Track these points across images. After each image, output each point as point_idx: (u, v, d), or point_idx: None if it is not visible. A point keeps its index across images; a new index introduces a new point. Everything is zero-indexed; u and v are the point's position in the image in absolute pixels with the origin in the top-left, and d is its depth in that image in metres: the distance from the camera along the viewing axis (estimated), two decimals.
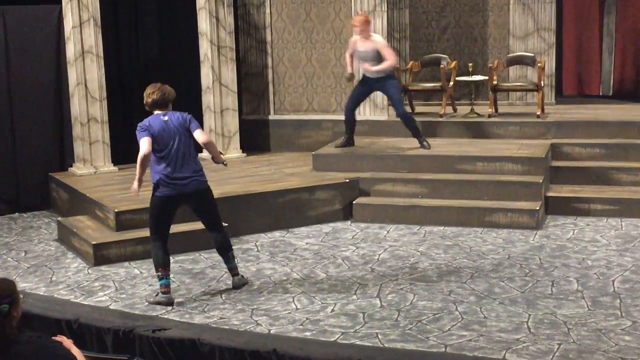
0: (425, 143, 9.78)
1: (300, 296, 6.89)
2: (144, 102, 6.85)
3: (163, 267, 6.79)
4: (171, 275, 7.07)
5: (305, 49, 11.31)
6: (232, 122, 10.88)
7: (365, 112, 10.95)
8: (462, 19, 12.19)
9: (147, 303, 6.81)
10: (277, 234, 8.80)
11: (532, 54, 11.23)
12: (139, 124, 6.78)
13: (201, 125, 10.69)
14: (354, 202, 9.23)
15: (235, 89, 10.90)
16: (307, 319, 6.37)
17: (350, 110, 9.96)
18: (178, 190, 6.73)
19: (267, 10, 11.30)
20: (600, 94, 12.73)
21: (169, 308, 6.68)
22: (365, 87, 9.82)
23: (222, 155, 7.13)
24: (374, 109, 10.96)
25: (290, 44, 11.35)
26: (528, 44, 11.87)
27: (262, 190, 9.04)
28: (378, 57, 9.43)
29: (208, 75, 10.71)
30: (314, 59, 11.26)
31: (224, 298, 6.90)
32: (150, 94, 6.80)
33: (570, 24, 12.60)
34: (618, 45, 12.54)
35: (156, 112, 6.80)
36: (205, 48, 10.66)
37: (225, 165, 7.11)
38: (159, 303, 6.76)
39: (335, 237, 8.65)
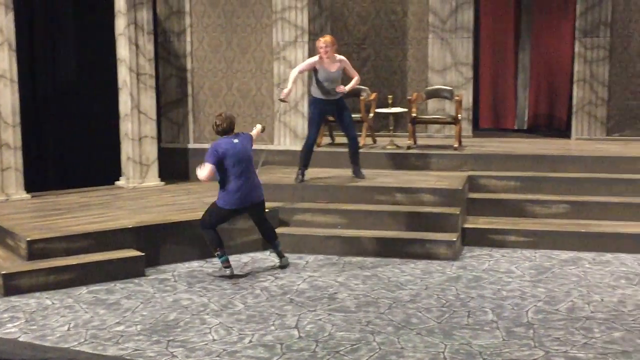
0: (361, 172, 9.89)
1: (218, 327, 6.79)
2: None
3: (220, 247, 8.18)
4: (84, 306, 6.93)
5: (226, 77, 11.28)
6: (151, 150, 10.75)
7: (285, 142, 10.97)
8: (382, 51, 12.36)
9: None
10: (195, 264, 8.69)
11: (450, 88, 11.45)
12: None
13: (119, 153, 10.62)
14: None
15: (155, 117, 10.79)
16: (224, 350, 6.28)
17: (314, 138, 9.77)
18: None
19: (188, 39, 11.25)
20: (516, 127, 13.04)
21: (82, 340, 6.50)
22: (325, 109, 9.67)
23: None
24: (294, 138, 10.99)
25: (210, 72, 11.31)
26: (446, 77, 12.11)
27: (180, 219, 8.92)
28: (345, 79, 9.57)
29: (126, 103, 10.57)
30: (235, 88, 11.24)
31: (139, 329, 6.75)
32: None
33: (487, 59, 12.90)
34: (532, 81, 12.89)
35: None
36: (123, 75, 10.53)
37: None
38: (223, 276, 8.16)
39: (254, 267, 8.59)
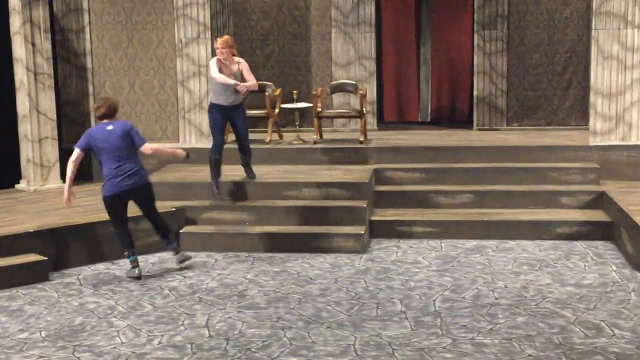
0: (252, 174, 9.66)
1: (126, 329, 6.68)
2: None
3: (128, 247, 8.06)
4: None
5: (128, 76, 11.08)
6: (52, 152, 10.48)
7: (191, 140, 10.86)
8: (286, 46, 12.37)
9: None
10: (100, 266, 8.52)
11: (354, 82, 11.54)
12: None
13: (19, 155, 10.30)
14: (180, 230, 9.09)
15: (55, 117, 10.51)
16: (132, 352, 6.18)
17: (220, 143, 9.27)
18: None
19: (87, 37, 11.01)
20: (419, 120, 13.25)
21: None
22: (224, 114, 9.23)
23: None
24: (200, 136, 10.88)
25: (112, 70, 11.10)
26: (350, 72, 12.20)
27: (84, 221, 8.73)
28: (241, 81, 9.16)
29: (24, 103, 10.27)
30: (137, 86, 11.06)
31: (43, 335, 6.58)
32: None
33: (389, 53, 13.06)
34: (434, 74, 13.12)
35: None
36: (20, 75, 10.23)
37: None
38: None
39: (162, 267, 8.48)
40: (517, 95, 12.12)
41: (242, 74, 9.18)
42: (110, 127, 7.91)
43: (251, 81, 9.18)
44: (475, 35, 12.06)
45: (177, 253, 8.37)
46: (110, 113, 7.98)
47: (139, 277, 8.02)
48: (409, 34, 13.03)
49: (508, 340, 6.26)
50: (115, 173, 7.85)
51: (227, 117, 9.29)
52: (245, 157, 9.59)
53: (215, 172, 9.28)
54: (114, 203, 7.96)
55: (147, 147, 8.01)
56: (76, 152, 7.98)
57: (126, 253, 8.10)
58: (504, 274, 7.96)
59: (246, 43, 12.32)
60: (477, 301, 7.17)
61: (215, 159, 9.25)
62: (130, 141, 7.92)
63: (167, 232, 8.32)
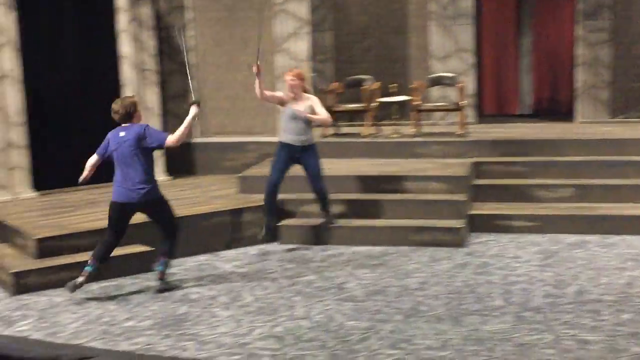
0: (329, 218, 8.94)
1: (228, 319, 6.83)
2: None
3: (95, 258, 7.40)
4: (95, 302, 7.12)
5: (229, 71, 11.30)
6: None
7: None
8: (384, 40, 12.37)
9: (69, 331, 6.66)
10: (202, 257, 8.73)
11: (453, 75, 11.45)
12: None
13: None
14: (280, 224, 9.21)
15: (159, 112, 10.81)
16: (235, 342, 6.31)
17: (275, 185, 8.65)
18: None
19: (190, 33, 11.26)
20: (519, 112, 13.05)
21: (93, 336, 6.55)
22: (292, 155, 8.62)
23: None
24: None
25: (213, 66, 11.33)
26: (448, 64, 12.11)
27: (187, 213, 8.94)
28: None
29: None
30: (238, 82, 11.25)
31: (149, 324, 6.80)
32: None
33: (489, 45, 12.90)
34: (535, 65, 12.89)
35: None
36: (127, 71, 10.56)
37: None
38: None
39: (262, 259, 8.62)
40: (623, 86, 11.78)
41: (312, 108, 8.50)
42: (122, 134, 7.31)
43: (322, 115, 8.52)
44: (578, 26, 11.78)
45: (160, 279, 7.64)
46: (127, 115, 7.34)
47: (73, 289, 7.32)
48: (509, 25, 12.84)
49: (612, 337, 6.12)
50: (119, 182, 7.35)
51: (294, 158, 8.63)
52: (321, 200, 8.88)
53: (268, 211, 8.73)
54: (115, 210, 7.41)
55: (171, 140, 7.33)
56: (94, 157, 7.50)
57: (89, 261, 7.39)
58: (608, 269, 7.77)
59: (345, 37, 12.38)
60: (580, 297, 7.03)
61: (267, 198, 8.66)
62: (143, 148, 7.28)
63: (165, 254, 7.64)
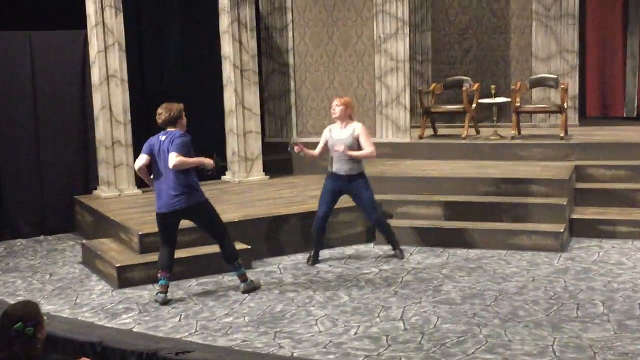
0: (399, 252, 8.57)
1: (323, 319, 6.87)
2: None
3: (162, 269, 7.38)
4: (194, 298, 7.26)
5: (328, 71, 11.35)
6: (255, 145, 10.92)
7: (387, 135, 10.97)
8: (484, 40, 12.21)
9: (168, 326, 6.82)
10: (300, 256, 8.80)
11: (555, 76, 11.21)
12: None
13: (224, 148, 10.80)
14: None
15: (258, 112, 10.95)
16: (330, 341, 6.34)
17: (321, 218, 8.35)
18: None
19: (290, 34, 11.37)
20: (625, 115, 12.67)
21: (192, 331, 6.69)
22: (338, 185, 8.28)
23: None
24: (397, 131, 10.97)
25: (312, 67, 11.41)
26: (551, 65, 11.87)
27: (285, 212, 9.04)
28: (356, 148, 8.15)
29: (231, 99, 10.78)
30: (336, 82, 11.30)
31: (247, 320, 6.90)
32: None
33: (593, 45, 12.58)
34: None
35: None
36: (228, 71, 10.74)
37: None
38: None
39: (358, 259, 8.63)
40: None
41: (358, 140, 8.14)
42: (162, 138, 7.21)
43: (366, 150, 8.10)
44: None
45: (243, 282, 7.63)
46: (170, 120, 7.22)
47: (163, 303, 7.32)
48: (615, 25, 12.49)
49: None
50: (158, 191, 7.26)
51: (341, 188, 8.29)
52: (384, 234, 8.62)
53: (315, 243, 8.49)
54: (158, 221, 7.35)
55: (171, 160, 7.05)
56: (142, 156, 7.31)
57: (160, 275, 7.37)
58: None
59: (444, 38, 12.29)
60: None
61: (314, 232, 8.43)
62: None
63: (230, 258, 7.54)
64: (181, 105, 7.37)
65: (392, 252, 8.62)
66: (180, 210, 7.21)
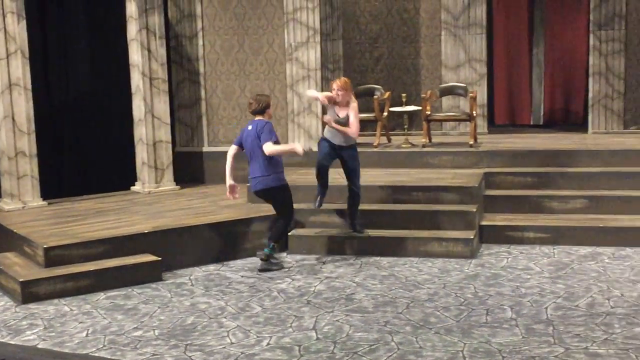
0: (359, 227, 8.97)
1: (235, 330, 6.78)
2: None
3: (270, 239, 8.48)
4: (102, 312, 7.09)
5: (239, 80, 11.27)
6: (165, 155, 10.75)
7: (300, 143, 10.93)
8: (395, 49, 12.32)
9: (76, 342, 6.62)
10: (211, 267, 8.68)
11: (464, 84, 11.39)
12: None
13: (134, 157, 10.61)
14: (289, 233, 9.16)
15: (168, 121, 10.79)
16: (242, 353, 6.26)
17: (320, 163, 8.77)
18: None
19: (200, 42, 11.25)
20: (531, 123, 12.96)
21: (100, 346, 6.50)
22: (333, 150, 8.72)
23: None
24: (309, 139, 10.96)
25: (223, 75, 11.30)
26: (460, 74, 12.05)
27: (196, 223, 8.92)
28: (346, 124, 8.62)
29: (140, 107, 10.58)
30: (248, 90, 11.22)
31: (157, 334, 6.75)
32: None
33: (501, 55, 12.83)
34: (547, 75, 12.81)
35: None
36: (136, 80, 10.54)
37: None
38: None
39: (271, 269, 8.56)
40: (636, 97, 11.69)
41: (347, 116, 8.61)
42: (250, 127, 8.34)
43: (351, 128, 8.57)
44: (591, 36, 11.70)
45: (263, 259, 8.46)
46: (259, 109, 8.35)
47: (279, 268, 8.47)
48: (522, 35, 12.77)
49: (624, 350, 6.04)
50: (250, 174, 8.40)
51: (335, 153, 8.74)
52: (351, 202, 8.92)
53: (319, 185, 8.83)
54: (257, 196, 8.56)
55: (265, 148, 8.18)
56: (232, 147, 8.47)
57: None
58: (620, 282, 7.68)
59: (355, 46, 12.34)
60: (592, 310, 6.95)
61: (316, 176, 8.82)
62: (259, 142, 8.23)
63: (272, 237, 8.49)
64: (269, 98, 8.61)
65: (351, 228, 9.00)
66: (261, 190, 8.34)
